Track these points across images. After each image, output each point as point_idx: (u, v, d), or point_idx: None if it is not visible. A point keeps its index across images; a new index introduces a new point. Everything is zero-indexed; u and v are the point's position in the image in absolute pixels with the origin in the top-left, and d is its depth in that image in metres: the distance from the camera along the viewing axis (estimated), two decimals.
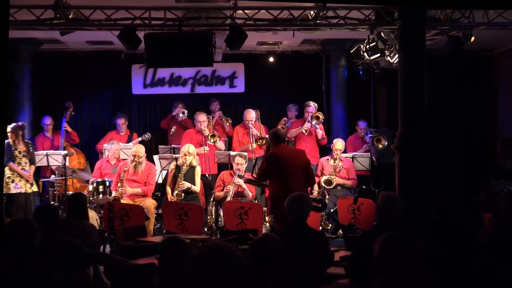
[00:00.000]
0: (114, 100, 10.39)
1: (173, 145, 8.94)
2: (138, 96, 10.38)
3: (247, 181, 7.30)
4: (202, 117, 8.61)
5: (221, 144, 8.61)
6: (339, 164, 8.16)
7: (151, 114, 10.50)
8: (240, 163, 7.65)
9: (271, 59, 10.18)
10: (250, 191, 7.62)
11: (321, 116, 8.80)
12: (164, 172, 8.31)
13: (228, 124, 9.49)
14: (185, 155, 7.61)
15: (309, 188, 7.71)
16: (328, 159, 8.40)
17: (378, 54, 7.76)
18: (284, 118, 9.51)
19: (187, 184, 7.52)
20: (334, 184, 8.03)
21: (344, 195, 7.94)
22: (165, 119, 9.84)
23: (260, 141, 8.52)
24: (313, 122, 8.78)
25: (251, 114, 8.79)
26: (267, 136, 8.44)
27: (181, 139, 8.71)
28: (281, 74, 10.35)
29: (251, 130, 8.66)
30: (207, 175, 8.44)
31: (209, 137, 8.42)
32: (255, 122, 8.86)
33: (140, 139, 9.27)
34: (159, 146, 9.07)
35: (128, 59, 9.76)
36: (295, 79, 10.35)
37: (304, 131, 8.82)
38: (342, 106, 9.79)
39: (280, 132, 6.34)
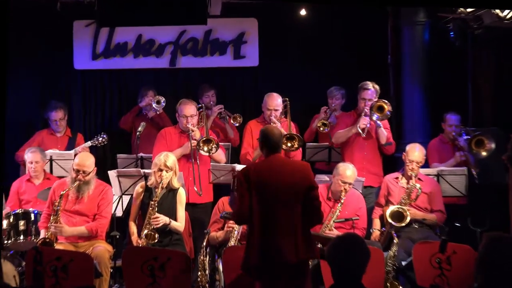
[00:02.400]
0: (45, 80, 10.42)
1: (140, 154, 8.93)
2: (83, 73, 10.40)
3: (224, 217, 7.29)
4: (189, 109, 8.56)
5: (219, 154, 8.57)
6: (416, 186, 8.09)
7: (105, 102, 10.55)
8: None
9: (303, 13, 10.17)
10: None
11: (386, 107, 8.73)
12: (127, 199, 8.30)
13: (236, 124, 9.52)
14: (161, 170, 7.59)
15: (318, 228, 7.69)
16: (397, 178, 8.36)
17: None
18: (324, 109, 9.48)
19: (163, 219, 7.49)
20: (408, 219, 7.97)
21: (425, 237, 7.87)
22: (128, 115, 9.90)
23: (290, 143, 8.44)
24: (374, 117, 8.72)
25: (276, 101, 8.76)
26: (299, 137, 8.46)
27: (154, 143, 8.71)
28: (318, 38, 10.32)
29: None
30: (196, 204, 8.44)
31: (201, 144, 8.38)
32: (282, 116, 8.86)
33: (89, 143, 9.30)
34: (118, 156, 9.09)
35: (67, 13, 9.77)
36: (342, 45, 10.33)
37: (360, 131, 8.77)
38: (420, 89, 9.78)
39: (274, 132, 6.19)
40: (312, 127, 9.69)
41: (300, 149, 8.67)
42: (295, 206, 5.95)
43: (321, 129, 9.23)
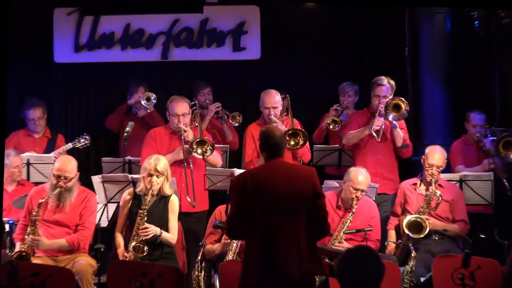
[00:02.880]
0: (22, 74, 10.41)
1: (128, 157, 8.94)
2: (65, 66, 10.38)
3: (217, 226, 7.26)
4: (181, 107, 8.56)
5: (215, 157, 8.56)
6: (436, 193, 8.06)
7: (89, 99, 10.56)
8: None
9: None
10: None
11: (403, 105, 8.71)
12: (112, 208, 8.30)
13: (236, 124, 9.54)
14: (151, 175, 7.57)
15: (326, 240, 7.69)
16: (415, 184, 8.35)
17: None
18: (335, 106, 9.50)
19: (153, 230, 7.47)
20: (427, 230, 7.94)
21: (446, 250, 7.86)
22: (115, 113, 9.91)
23: (294, 140, 8.41)
24: (389, 117, 8.69)
25: (273, 98, 8.74)
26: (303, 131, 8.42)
27: (143, 145, 8.71)
28: (327, 27, 10.31)
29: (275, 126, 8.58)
30: (190, 213, 8.44)
31: (194, 145, 8.37)
32: (283, 114, 8.85)
33: (70, 145, 9.30)
34: (103, 159, 9.09)
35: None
36: (354, 36, 10.33)
37: (374, 134, 8.74)
38: (440, 85, 9.78)
39: (275, 133, 6.09)
40: (322, 126, 9.66)
41: (308, 146, 8.65)
42: (298, 217, 5.84)
43: (331, 127, 9.20)
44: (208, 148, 8.34)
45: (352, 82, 9.68)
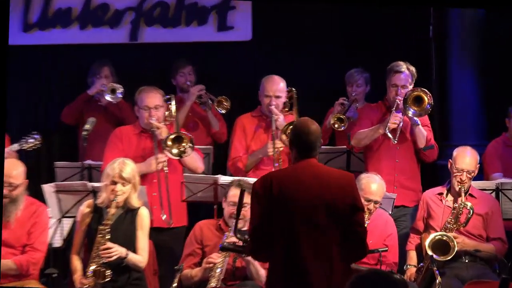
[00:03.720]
0: None
1: (88, 162, 8.96)
2: (10, 49, 10.33)
3: (226, 248, 7.19)
4: (152, 98, 8.56)
5: (195, 160, 8.57)
6: (466, 206, 8.04)
7: (40, 90, 10.62)
8: (245, 202, 7.53)
9: None
10: (262, 268, 7.54)
11: (426, 98, 8.71)
12: (68, 223, 8.31)
13: (223, 111, 9.62)
14: (115, 183, 7.54)
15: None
16: (441, 194, 8.35)
17: None
18: (341, 100, 9.53)
19: (118, 250, 7.45)
20: (456, 250, 7.92)
21: (478, 275, 7.89)
22: (73, 103, 9.92)
23: None
24: (409, 112, 8.68)
25: (277, 85, 8.83)
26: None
27: (106, 147, 8.71)
28: (332, 4, 10.30)
29: (274, 120, 8.67)
30: (163, 229, 8.46)
31: (168, 143, 8.34)
32: (286, 109, 8.95)
33: (15, 147, 9.26)
34: (56, 164, 9.13)
35: None
36: (366, 12, 10.35)
37: (390, 135, 8.71)
38: (472, 73, 9.83)
39: (309, 128, 6.03)
40: (326, 124, 9.64)
41: None
42: (331, 233, 5.82)
43: (336, 126, 9.18)
44: (186, 146, 8.30)
45: (362, 69, 9.68)
